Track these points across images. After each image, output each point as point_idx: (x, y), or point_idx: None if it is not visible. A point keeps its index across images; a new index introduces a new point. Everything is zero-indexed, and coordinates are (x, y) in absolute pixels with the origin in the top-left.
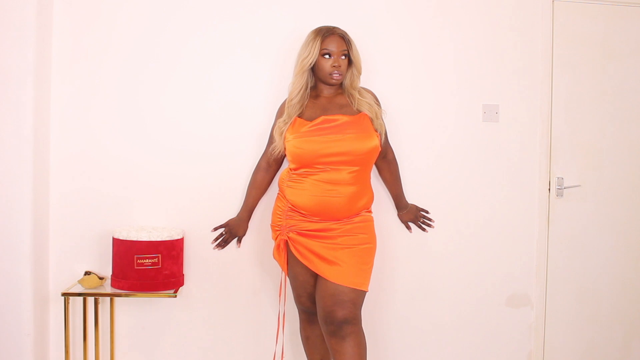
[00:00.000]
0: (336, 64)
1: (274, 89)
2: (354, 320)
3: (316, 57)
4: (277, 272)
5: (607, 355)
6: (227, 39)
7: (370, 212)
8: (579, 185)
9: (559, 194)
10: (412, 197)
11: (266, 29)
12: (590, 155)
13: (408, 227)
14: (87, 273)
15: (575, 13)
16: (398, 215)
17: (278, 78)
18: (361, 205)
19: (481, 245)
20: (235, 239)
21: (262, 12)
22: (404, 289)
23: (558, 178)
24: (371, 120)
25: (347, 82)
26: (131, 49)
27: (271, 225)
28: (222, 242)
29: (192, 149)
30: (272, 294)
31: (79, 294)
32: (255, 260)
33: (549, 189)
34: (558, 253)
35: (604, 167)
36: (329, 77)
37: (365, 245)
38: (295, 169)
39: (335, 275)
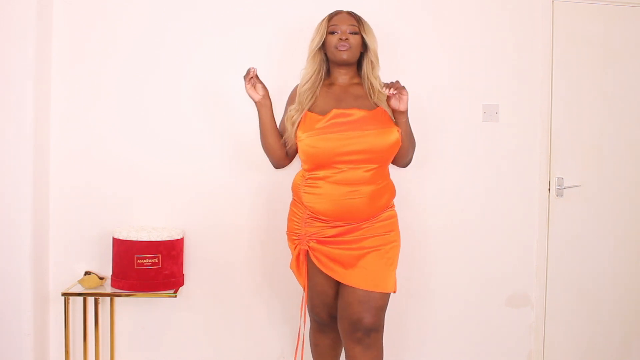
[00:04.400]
0: (343, 37)
1: (274, 89)
2: (380, 327)
3: (324, 36)
4: (277, 272)
5: (607, 355)
6: (228, 39)
7: (393, 206)
8: (579, 185)
9: (559, 194)
10: (411, 196)
11: (267, 30)
12: (590, 155)
13: (393, 95)
14: (87, 273)
15: (575, 13)
16: (397, 117)
17: (278, 77)
18: (384, 202)
19: (481, 245)
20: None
21: (261, 12)
22: (403, 289)
23: (558, 178)
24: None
25: (366, 69)
26: (131, 48)
27: (287, 234)
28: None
29: (192, 148)
30: (272, 294)
31: (79, 294)
32: (256, 260)
33: (549, 189)
34: (558, 253)
35: (604, 167)
36: (336, 51)
37: (392, 244)
38: (309, 170)
39: (364, 281)
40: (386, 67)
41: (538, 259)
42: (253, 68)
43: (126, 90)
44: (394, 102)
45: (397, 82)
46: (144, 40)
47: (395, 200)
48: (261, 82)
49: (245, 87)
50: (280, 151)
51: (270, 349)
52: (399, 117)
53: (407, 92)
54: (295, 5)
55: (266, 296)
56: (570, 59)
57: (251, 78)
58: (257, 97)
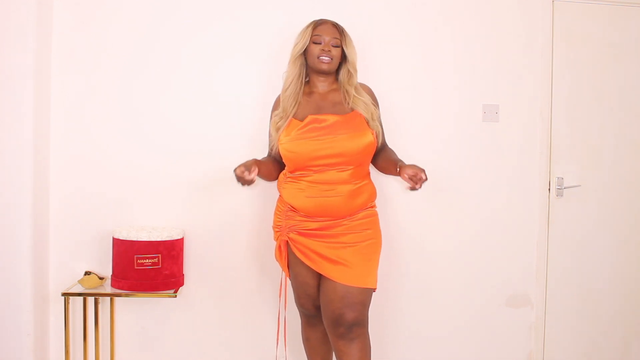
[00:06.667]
0: (325, 49)
1: (271, 88)
2: (363, 322)
3: (307, 43)
4: (277, 272)
5: (607, 355)
6: (223, 40)
7: (374, 207)
8: (579, 185)
9: (559, 194)
10: (411, 196)
11: (259, 31)
12: (590, 155)
13: (408, 180)
14: (87, 273)
15: (575, 13)
16: (400, 171)
17: (276, 76)
18: (362, 201)
19: (481, 245)
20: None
21: (256, 14)
22: (404, 289)
23: (558, 178)
24: (366, 119)
25: (342, 77)
26: (130, 50)
27: (272, 227)
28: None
29: (192, 149)
30: (272, 294)
31: (79, 294)
32: (255, 260)
33: (549, 189)
34: (558, 253)
35: (604, 167)
36: (317, 61)
37: (370, 241)
38: (290, 171)
39: (343, 276)
40: (386, 66)
41: (538, 259)
42: (245, 173)
43: (126, 91)
44: (408, 183)
45: (423, 177)
46: (143, 43)
47: (395, 201)
48: (251, 165)
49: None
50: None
51: (271, 348)
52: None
53: (424, 183)
54: (290, 6)
55: (266, 296)
56: (570, 59)
57: (244, 181)
58: (253, 179)
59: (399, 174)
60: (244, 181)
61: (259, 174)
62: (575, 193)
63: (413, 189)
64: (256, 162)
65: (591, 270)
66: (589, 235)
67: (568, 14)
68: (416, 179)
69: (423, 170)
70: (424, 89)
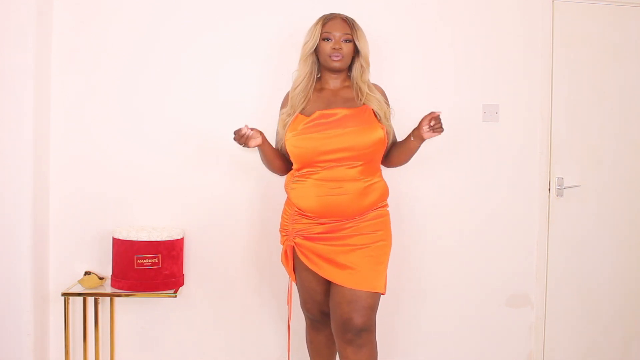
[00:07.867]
0: (336, 46)
1: (272, 88)
2: (372, 328)
3: (317, 41)
4: (277, 273)
5: (607, 355)
6: (224, 40)
7: (385, 206)
8: (579, 185)
9: (559, 194)
10: (411, 195)
11: (261, 31)
12: (590, 155)
13: (430, 129)
14: (87, 273)
15: (575, 13)
16: (415, 134)
17: (278, 76)
18: (372, 200)
19: (481, 245)
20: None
21: (257, 14)
22: (404, 289)
23: (558, 178)
24: (377, 115)
25: (355, 73)
26: (130, 50)
27: (279, 230)
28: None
29: (192, 149)
30: (271, 294)
31: (79, 294)
32: (255, 260)
33: (549, 189)
34: (558, 253)
35: (604, 167)
36: (329, 59)
37: (380, 243)
38: (297, 169)
39: (350, 280)
40: (386, 66)
41: (538, 259)
42: (245, 126)
43: (126, 91)
44: (426, 131)
45: (440, 121)
46: (144, 43)
47: (395, 200)
48: (254, 129)
49: (241, 145)
50: (285, 166)
51: (271, 348)
52: (418, 141)
53: (442, 131)
54: (290, 5)
55: (266, 296)
56: (570, 59)
57: (245, 135)
58: (258, 142)
59: (417, 136)
60: (240, 136)
61: (263, 150)
62: (575, 193)
63: (438, 129)
64: (262, 134)
65: (591, 270)
66: (589, 235)
67: (568, 14)
68: (435, 121)
69: (432, 114)
70: (424, 90)
